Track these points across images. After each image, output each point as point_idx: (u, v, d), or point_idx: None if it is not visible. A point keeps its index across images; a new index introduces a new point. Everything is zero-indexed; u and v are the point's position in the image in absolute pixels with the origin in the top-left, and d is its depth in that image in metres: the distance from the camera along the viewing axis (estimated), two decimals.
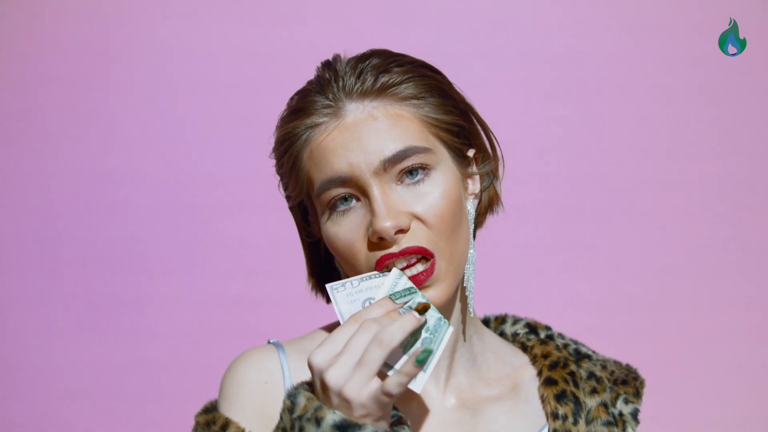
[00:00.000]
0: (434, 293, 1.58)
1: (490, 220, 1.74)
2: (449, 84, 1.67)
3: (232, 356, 1.69)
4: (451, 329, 1.53)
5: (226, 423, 1.61)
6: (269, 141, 1.68)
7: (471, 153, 1.66)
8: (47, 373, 2.91)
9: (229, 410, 1.62)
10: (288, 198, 1.69)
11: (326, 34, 2.91)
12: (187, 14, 2.93)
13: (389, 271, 1.57)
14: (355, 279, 1.56)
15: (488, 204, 1.70)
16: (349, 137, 1.58)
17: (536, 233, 2.95)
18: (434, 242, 1.57)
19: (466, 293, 1.66)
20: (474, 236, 1.67)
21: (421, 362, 1.45)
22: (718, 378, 2.96)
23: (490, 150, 1.70)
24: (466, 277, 1.65)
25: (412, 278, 1.56)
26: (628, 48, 2.99)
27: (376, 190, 1.56)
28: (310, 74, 1.67)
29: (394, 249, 1.56)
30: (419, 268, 1.57)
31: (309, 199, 1.65)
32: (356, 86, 1.59)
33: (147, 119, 2.92)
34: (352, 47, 1.68)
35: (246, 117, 2.90)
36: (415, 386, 1.48)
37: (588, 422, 1.70)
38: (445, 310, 1.66)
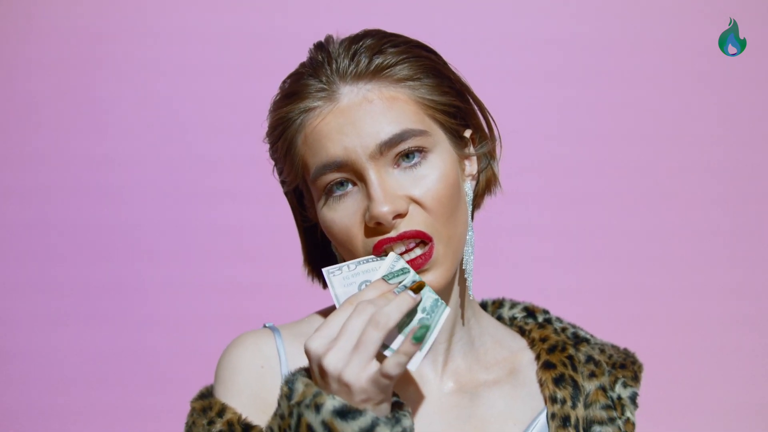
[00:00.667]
0: (433, 277, 1.56)
1: (486, 204, 1.72)
2: (444, 64, 1.64)
3: (228, 342, 1.67)
4: (448, 309, 1.51)
5: (223, 408, 1.59)
6: (263, 126, 1.67)
7: (468, 133, 1.64)
8: (41, 361, 2.90)
9: (225, 395, 1.61)
10: (283, 183, 1.67)
11: (320, 17, 2.90)
12: None
13: (386, 255, 1.55)
14: (352, 263, 1.54)
15: (486, 185, 1.68)
16: (344, 121, 1.55)
17: (532, 219, 2.94)
18: (432, 226, 1.55)
19: (465, 275, 1.64)
20: (472, 218, 1.65)
21: (418, 339, 1.43)
22: (710, 366, 2.96)
23: (486, 130, 1.68)
24: (465, 259, 1.63)
25: (410, 262, 1.54)
26: (628, 47, 2.99)
27: (372, 174, 1.54)
28: (303, 58, 1.65)
29: (392, 234, 1.54)
30: (417, 252, 1.55)
31: (304, 183, 1.63)
32: (350, 68, 1.57)
33: (140, 106, 2.92)
34: (346, 29, 1.66)
35: (239, 102, 2.90)
36: (411, 364, 1.47)
37: (586, 406, 1.68)
38: (444, 293, 1.64)
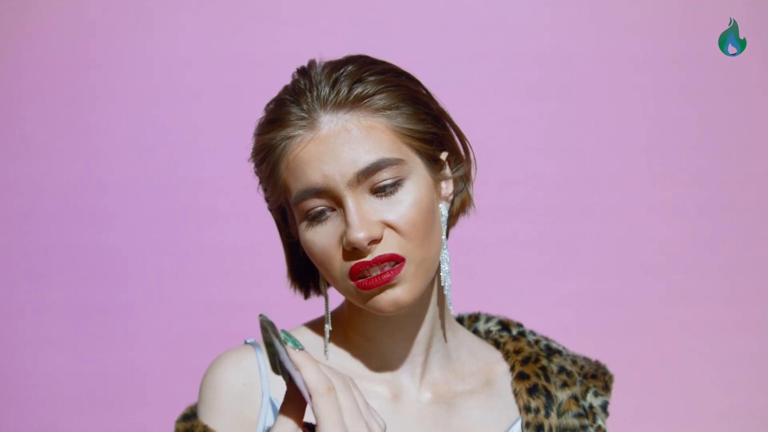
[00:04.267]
0: (401, 291, 1.62)
1: (472, 219, 1.78)
2: (422, 91, 1.70)
3: (212, 360, 1.72)
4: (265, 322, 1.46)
5: (204, 431, 1.66)
6: (249, 148, 1.73)
7: (443, 156, 1.70)
8: (35, 382, 2.94)
9: (209, 416, 1.67)
10: (267, 200, 1.73)
11: (306, 39, 2.92)
12: (169, 23, 2.95)
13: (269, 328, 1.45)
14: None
15: (461, 206, 1.74)
16: (323, 149, 1.61)
17: (518, 232, 2.96)
18: (406, 248, 1.62)
19: (445, 292, 1.70)
20: (447, 236, 1.71)
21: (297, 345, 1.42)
22: (699, 372, 2.98)
23: (463, 153, 1.74)
24: (442, 276, 1.69)
25: (378, 277, 1.61)
26: (627, 48, 3.01)
27: (350, 201, 1.60)
28: (288, 80, 1.70)
29: (368, 258, 1.61)
30: (387, 267, 1.62)
31: (287, 203, 1.69)
32: (330, 97, 1.62)
33: (130, 128, 2.94)
34: (331, 52, 1.71)
35: (227, 124, 2.92)
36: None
37: (559, 415, 1.74)
38: (421, 307, 1.71)
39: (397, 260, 1.61)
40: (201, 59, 2.95)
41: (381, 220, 1.61)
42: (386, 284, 1.61)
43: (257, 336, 1.89)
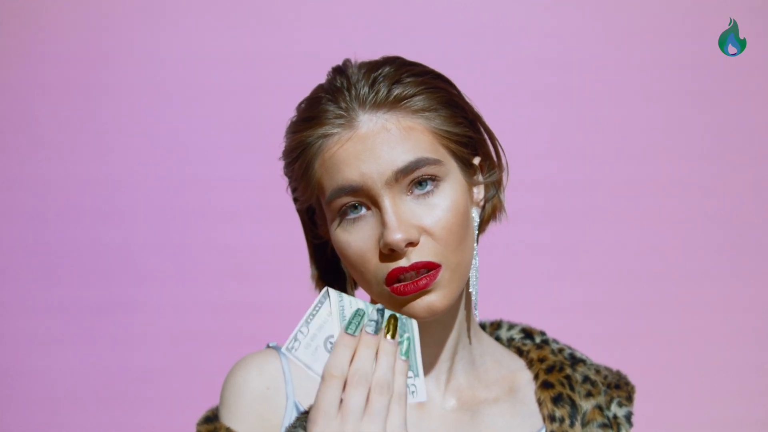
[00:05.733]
0: (436, 297, 1.61)
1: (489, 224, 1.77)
2: (459, 95, 1.70)
3: (228, 362, 1.71)
4: (414, 321, 1.55)
5: None
6: (263, 147, 1.71)
7: (476, 161, 1.69)
8: (41, 380, 2.92)
9: (231, 420, 1.65)
10: (296, 200, 1.72)
11: (323, 40, 2.92)
12: (181, 19, 2.93)
13: (326, 293, 1.54)
14: (302, 326, 1.53)
15: (492, 212, 1.74)
16: (362, 148, 1.60)
17: (532, 238, 2.96)
18: (442, 254, 1.61)
19: (473, 298, 1.69)
20: (477, 242, 1.70)
21: (406, 355, 1.49)
22: (713, 380, 2.99)
23: (495, 158, 1.74)
24: (471, 282, 1.69)
25: (414, 283, 1.60)
26: (627, 49, 3.01)
27: (387, 201, 1.59)
28: (307, 79, 1.70)
29: (403, 262, 1.59)
30: (423, 272, 1.60)
31: (318, 203, 1.68)
32: (370, 96, 1.62)
33: (141, 125, 2.93)
34: (348, 53, 1.70)
35: (240, 123, 2.91)
36: (421, 395, 1.50)
37: (584, 425, 1.74)
38: (450, 314, 1.70)
39: (433, 267, 1.60)
40: (214, 57, 2.93)
41: (418, 224, 1.60)
42: (422, 290, 1.59)
43: (272, 338, 1.87)
